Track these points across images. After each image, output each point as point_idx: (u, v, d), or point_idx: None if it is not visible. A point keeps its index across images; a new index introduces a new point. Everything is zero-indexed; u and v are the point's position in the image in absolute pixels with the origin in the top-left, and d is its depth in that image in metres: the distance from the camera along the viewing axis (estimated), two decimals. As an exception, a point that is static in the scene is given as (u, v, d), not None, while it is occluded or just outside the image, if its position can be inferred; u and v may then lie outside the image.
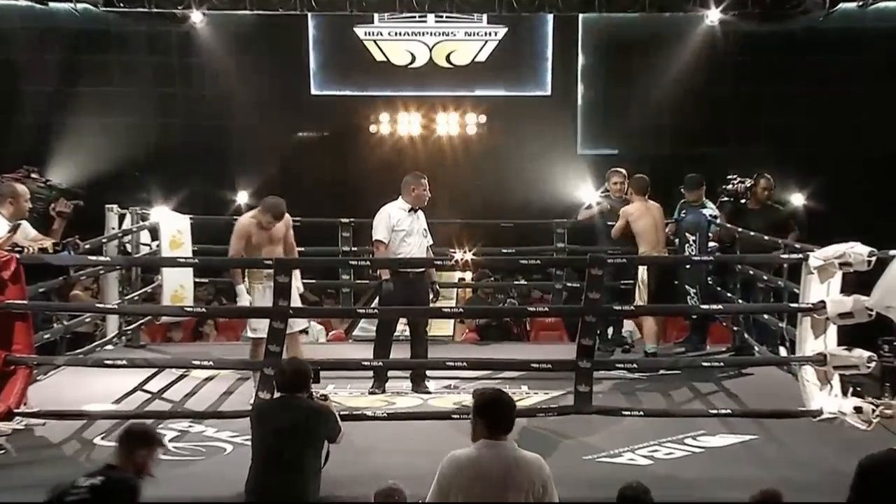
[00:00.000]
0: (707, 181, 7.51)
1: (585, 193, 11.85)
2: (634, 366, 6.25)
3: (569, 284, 8.33)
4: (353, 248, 7.99)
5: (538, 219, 9.23)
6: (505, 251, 8.02)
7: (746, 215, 7.38)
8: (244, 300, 6.02)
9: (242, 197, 13.13)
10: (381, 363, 6.09)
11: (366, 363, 5.98)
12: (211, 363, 5.87)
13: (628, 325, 8.21)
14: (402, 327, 6.82)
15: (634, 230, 7.02)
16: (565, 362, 5.87)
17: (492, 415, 3.45)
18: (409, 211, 6.33)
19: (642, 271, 6.84)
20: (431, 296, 6.40)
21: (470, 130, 13.30)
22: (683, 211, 7.49)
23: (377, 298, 6.52)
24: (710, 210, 7.41)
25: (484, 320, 8.48)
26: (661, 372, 6.53)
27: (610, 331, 7.48)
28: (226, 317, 8.74)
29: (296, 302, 6.07)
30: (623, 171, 7.55)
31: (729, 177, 7.63)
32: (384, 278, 6.26)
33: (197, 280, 8.00)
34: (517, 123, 13.00)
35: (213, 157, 12.59)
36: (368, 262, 6.29)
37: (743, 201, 7.48)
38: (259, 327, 5.84)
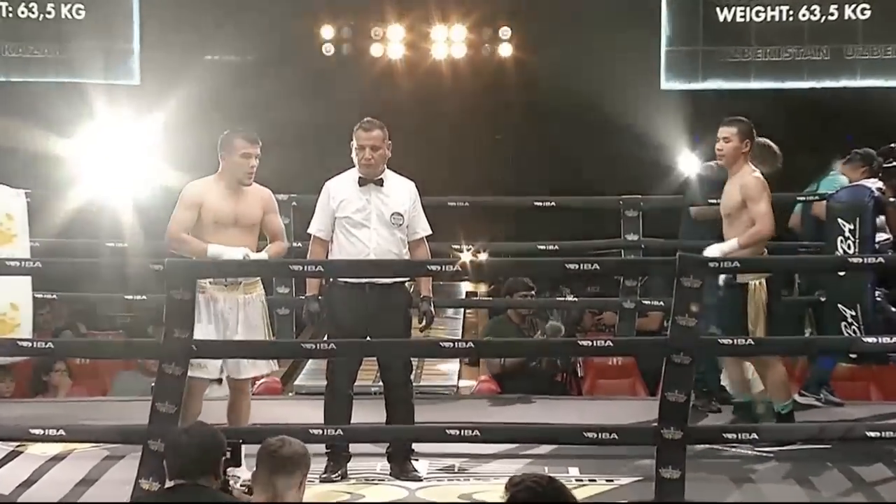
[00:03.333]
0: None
1: (677, 154, 11.82)
2: (754, 436, 6.23)
3: (646, 302, 8.33)
4: (296, 244, 7.99)
5: (596, 194, 9.21)
6: (542, 248, 7.99)
7: None
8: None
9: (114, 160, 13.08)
10: (339, 431, 6.07)
11: (316, 431, 5.96)
12: (62, 433, 5.86)
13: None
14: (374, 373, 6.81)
15: (753, 214, 6.94)
16: (641, 431, 5.84)
17: None
18: (363, 184, 6.34)
19: (754, 283, 6.76)
20: (421, 323, 6.38)
21: (485, 52, 13.28)
22: (832, 186, 7.51)
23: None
24: (875, 182, 7.40)
25: (508, 361, 8.46)
26: (797, 446, 6.51)
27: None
28: (88, 356, 8.70)
29: (249, 329, 6.13)
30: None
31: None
32: (308, 294, 6.34)
33: (39, 296, 7.97)
34: (562, 41, 12.97)
35: (65, 94, 12.57)
36: (320, 268, 6.25)
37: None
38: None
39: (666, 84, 12.70)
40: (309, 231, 6.44)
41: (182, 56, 13.15)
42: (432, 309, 6.41)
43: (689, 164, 12.86)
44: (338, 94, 12.90)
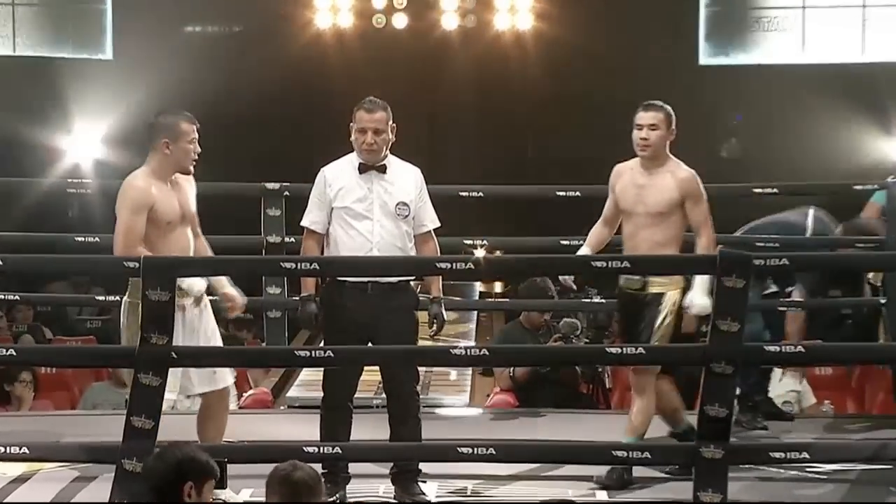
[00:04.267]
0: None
1: (718, 138, 11.80)
2: (806, 455, 6.21)
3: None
4: (287, 238, 7.99)
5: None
6: (566, 243, 7.98)
7: None
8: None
9: (84, 145, 13.13)
10: (337, 449, 6.08)
11: (311, 450, 5.97)
12: (25, 451, 5.87)
13: (792, 382, 8.17)
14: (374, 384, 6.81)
15: (696, 216, 6.64)
16: (677, 449, 5.82)
17: None
18: (364, 171, 6.33)
19: (672, 293, 6.55)
20: (433, 328, 6.38)
21: (501, 22, 13.27)
22: None
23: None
24: None
25: (518, 371, 8.45)
26: (855, 466, 6.49)
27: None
28: (55, 364, 8.70)
29: (210, 336, 6.10)
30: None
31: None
32: (303, 295, 6.31)
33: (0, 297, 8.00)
34: (587, 11, 12.98)
35: (29, 70, 12.60)
36: (316, 266, 6.24)
37: None
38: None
39: (704, 59, 12.71)
40: (302, 224, 6.42)
41: (159, 28, 13.17)
42: (443, 312, 6.40)
43: (730, 148, 12.90)
44: (335, 70, 12.91)
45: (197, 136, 6.14)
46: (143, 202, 5.98)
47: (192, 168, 6.14)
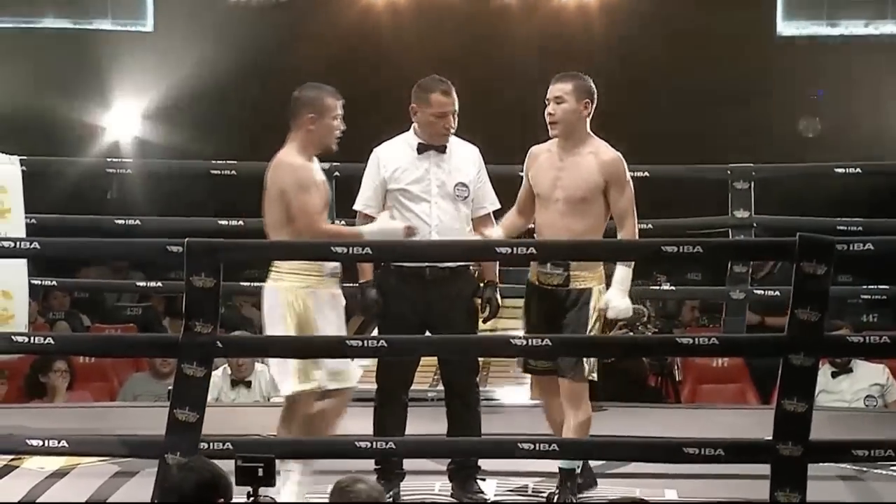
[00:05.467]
0: None
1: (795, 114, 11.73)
2: (891, 453, 6.17)
3: (758, 291, 8.32)
4: (338, 220, 8.02)
5: (698, 162, 9.17)
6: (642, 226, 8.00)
7: None
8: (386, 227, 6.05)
9: (124, 122, 13.21)
10: (391, 444, 6.10)
11: (363, 445, 6.00)
12: (64, 444, 5.91)
13: (875, 374, 8.14)
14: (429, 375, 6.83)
15: (621, 205, 6.32)
16: (752, 446, 5.81)
17: None
18: (423, 151, 6.36)
19: (597, 289, 6.30)
20: (485, 315, 6.41)
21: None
22: None
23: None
24: None
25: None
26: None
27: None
28: (93, 353, 8.79)
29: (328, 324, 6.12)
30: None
31: None
32: (361, 281, 6.33)
33: (36, 282, 8.06)
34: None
35: (66, 42, 12.67)
36: (368, 250, 6.23)
37: None
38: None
39: (783, 29, 12.61)
40: (355, 207, 6.44)
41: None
42: (498, 297, 6.41)
43: (808, 126, 12.81)
44: (388, 43, 12.90)
45: (342, 112, 6.11)
46: (308, 178, 5.99)
47: (335, 146, 6.12)
